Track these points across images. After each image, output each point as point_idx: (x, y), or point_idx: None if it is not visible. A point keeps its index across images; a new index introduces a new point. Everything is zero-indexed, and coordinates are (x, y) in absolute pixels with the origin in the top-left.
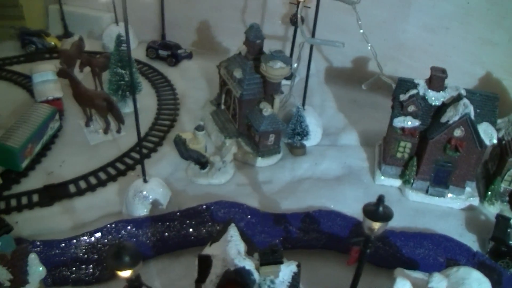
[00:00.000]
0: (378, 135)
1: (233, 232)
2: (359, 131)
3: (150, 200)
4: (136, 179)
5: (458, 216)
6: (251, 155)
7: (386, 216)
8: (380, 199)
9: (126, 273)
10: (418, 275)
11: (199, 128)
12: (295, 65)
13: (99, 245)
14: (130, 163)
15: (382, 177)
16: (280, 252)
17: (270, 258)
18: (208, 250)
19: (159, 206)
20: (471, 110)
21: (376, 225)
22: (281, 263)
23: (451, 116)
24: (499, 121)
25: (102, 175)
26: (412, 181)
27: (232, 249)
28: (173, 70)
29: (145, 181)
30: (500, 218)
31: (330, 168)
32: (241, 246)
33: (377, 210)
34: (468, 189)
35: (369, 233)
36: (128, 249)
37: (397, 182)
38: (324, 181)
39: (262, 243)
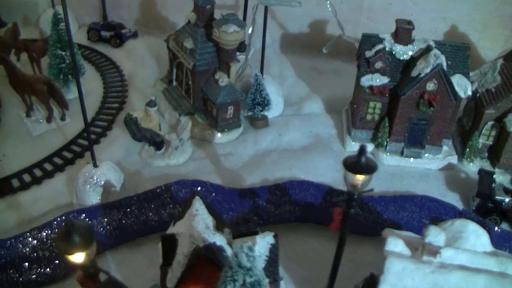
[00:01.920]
0: (343, 101)
1: (198, 205)
2: (323, 98)
3: (102, 185)
4: (85, 166)
5: (438, 177)
6: (209, 131)
7: (370, 167)
8: (362, 149)
9: (78, 257)
10: (408, 234)
11: (150, 103)
12: (250, 30)
13: (49, 241)
14: (78, 150)
15: (353, 143)
16: (254, 221)
17: (243, 228)
18: (172, 230)
19: (111, 189)
20: (443, 60)
21: (360, 179)
22: (256, 233)
23: (422, 68)
24: (471, 74)
25: (48, 166)
26: (385, 143)
27: (200, 224)
28: (118, 51)
29: (95, 166)
30: (483, 173)
31: (296, 139)
32: (209, 220)
33: (359, 161)
34: (445, 147)
35: (352, 189)
36: (78, 227)
37: (370, 147)
38: (291, 152)
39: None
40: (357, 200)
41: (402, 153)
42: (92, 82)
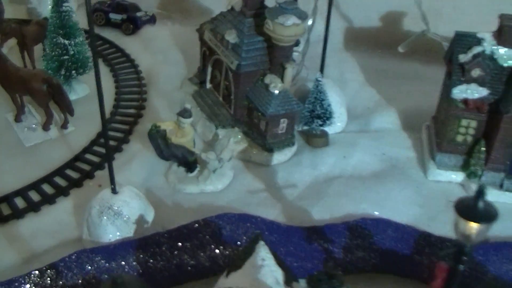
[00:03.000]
0: (423, 115)
1: (264, 253)
2: (396, 110)
3: (125, 218)
4: (100, 191)
5: None
6: (255, 150)
7: (489, 215)
8: (481, 191)
9: None
10: None
11: (185, 113)
12: (310, 21)
13: None
14: (85, 169)
15: (438, 170)
16: (340, 278)
17: (325, 287)
18: (225, 283)
19: (135, 222)
20: None
21: (475, 228)
22: None
23: None
24: None
25: (47, 188)
26: (480, 173)
27: (268, 278)
28: (131, 40)
29: (114, 191)
30: None
31: (364, 162)
32: (279, 273)
33: (476, 206)
34: None
35: (464, 240)
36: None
37: (459, 176)
38: (359, 179)
39: (292, 270)
40: (468, 254)
41: (501, 186)
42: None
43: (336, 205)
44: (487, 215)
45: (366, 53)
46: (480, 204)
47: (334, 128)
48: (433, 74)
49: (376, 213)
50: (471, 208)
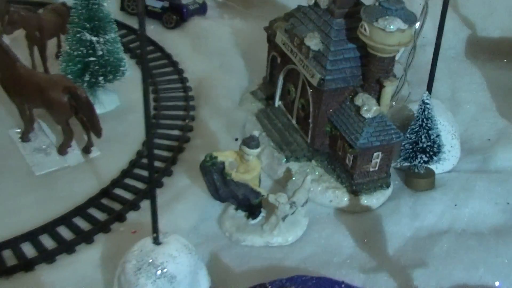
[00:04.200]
0: None
1: None
2: None
3: (170, 278)
4: (136, 239)
5: None
6: (336, 191)
7: None
8: None
9: None
10: None
11: (251, 142)
12: (418, 24)
13: None
14: (115, 208)
15: None
16: None
17: None
18: None
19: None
20: None
21: None
22: None
23: None
24: None
25: (65, 232)
26: None
27: None
28: (175, 36)
29: (156, 241)
30: None
31: (482, 213)
32: None
33: None
34: None
35: None
36: None
37: None
38: (476, 236)
39: None
40: None
41: None
42: (132, 88)
43: (444, 270)
44: None
45: (488, 63)
46: None
47: (442, 166)
48: None
49: (497, 283)
50: None
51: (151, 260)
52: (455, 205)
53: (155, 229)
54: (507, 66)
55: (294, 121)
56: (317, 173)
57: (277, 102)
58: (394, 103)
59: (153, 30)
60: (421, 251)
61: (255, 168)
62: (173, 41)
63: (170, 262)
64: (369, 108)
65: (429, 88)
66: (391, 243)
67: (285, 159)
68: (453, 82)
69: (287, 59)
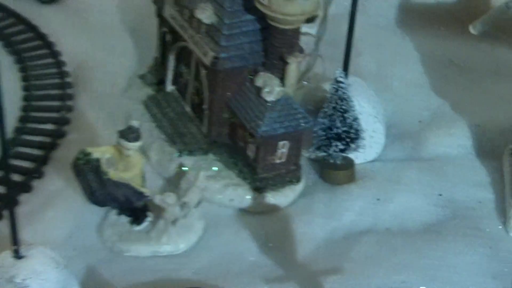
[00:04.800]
0: (508, 134)
1: None
2: (466, 125)
3: None
4: None
5: None
6: (238, 189)
7: None
8: None
9: None
10: None
11: (129, 134)
12: None
13: None
14: None
15: None
16: None
17: None
18: None
19: None
20: None
21: None
22: None
23: None
24: None
25: None
26: None
27: None
28: (52, 12)
29: (17, 255)
30: None
31: (410, 208)
32: None
33: None
34: None
35: None
36: None
37: None
38: (400, 235)
39: None
40: None
41: None
42: None
43: (361, 275)
44: None
45: (422, 34)
46: None
47: (364, 155)
48: None
49: None
50: None
51: (10, 277)
52: (378, 200)
53: (15, 241)
54: (444, 35)
55: (188, 109)
56: (215, 168)
57: (169, 87)
58: (306, 82)
59: (24, 5)
60: (337, 255)
61: (137, 165)
62: (48, 18)
63: (34, 278)
64: (272, 89)
65: (346, 63)
66: (301, 247)
67: (178, 154)
68: (381, 55)
69: (178, 36)
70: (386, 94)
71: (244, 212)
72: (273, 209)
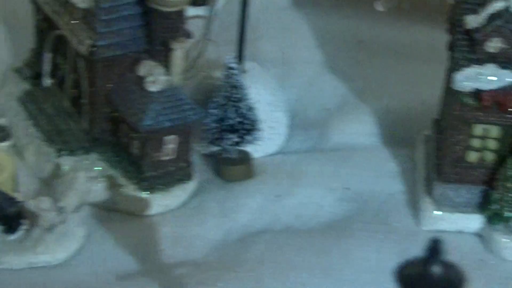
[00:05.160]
0: (422, 118)
1: None
2: (376, 111)
3: None
4: None
5: None
6: (125, 189)
7: (448, 285)
8: (435, 246)
9: None
10: None
11: None
12: None
13: None
14: None
15: (438, 213)
16: None
17: None
18: None
19: None
20: None
21: None
22: None
23: None
24: None
25: None
26: (509, 214)
27: None
28: None
29: None
30: None
31: (312, 204)
32: None
33: (426, 272)
34: None
35: None
36: None
37: (474, 221)
38: (301, 234)
39: None
40: None
41: None
42: None
43: (256, 278)
44: (445, 285)
45: (330, 15)
46: (435, 269)
47: (264, 147)
48: (439, 48)
49: None
50: (420, 276)
51: None
52: (278, 196)
53: None
54: (353, 15)
55: (68, 104)
56: (97, 168)
57: (46, 81)
58: (197, 73)
59: None
60: (231, 256)
61: (6, 168)
62: None
63: None
64: (155, 78)
65: (240, 48)
66: (193, 250)
67: (57, 153)
68: (285, 39)
69: (53, 23)
70: (290, 80)
71: (131, 215)
72: (163, 210)
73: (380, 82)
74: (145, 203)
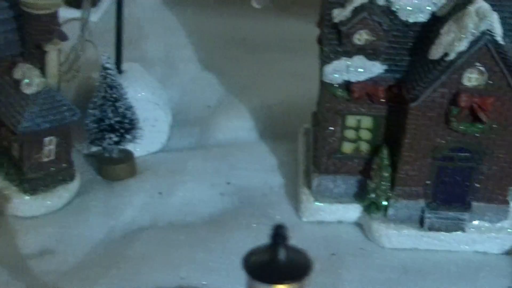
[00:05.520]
0: (303, 112)
1: None
2: (257, 107)
3: None
4: None
5: (503, 271)
6: (7, 193)
7: (294, 269)
8: (278, 232)
9: None
10: None
11: None
12: None
13: None
14: None
15: (317, 204)
16: None
17: None
18: None
19: None
20: (494, 22)
21: None
22: None
23: (451, 43)
24: None
25: None
26: (385, 203)
27: None
28: None
29: None
30: None
31: (195, 199)
32: None
33: (273, 259)
34: None
35: None
36: None
37: (353, 211)
38: (183, 229)
39: None
40: None
41: (421, 223)
42: None
43: (138, 274)
44: (291, 271)
45: (211, 12)
46: (280, 255)
47: (146, 146)
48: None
49: (204, 283)
50: (265, 263)
51: None
52: (160, 193)
53: None
54: (235, 14)
55: None
56: None
57: None
58: (76, 74)
59: None
60: (114, 254)
61: None
62: None
63: None
64: (31, 81)
65: (118, 49)
66: (76, 249)
67: None
68: (170, 38)
69: None
70: (173, 79)
71: (14, 218)
72: (46, 212)
73: (262, 78)
74: (21, 204)
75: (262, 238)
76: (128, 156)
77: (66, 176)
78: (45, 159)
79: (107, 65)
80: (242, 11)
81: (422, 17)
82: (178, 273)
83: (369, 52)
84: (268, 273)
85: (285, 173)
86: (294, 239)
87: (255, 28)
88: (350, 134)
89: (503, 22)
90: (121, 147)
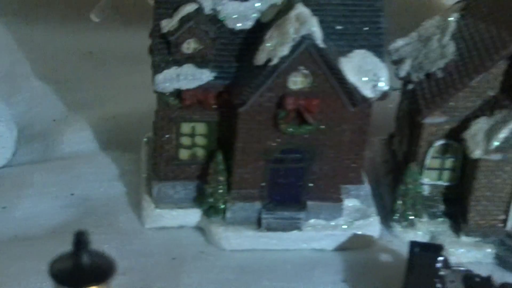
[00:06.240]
0: (146, 122)
1: None
2: (103, 119)
3: None
4: None
5: (336, 267)
6: None
7: (99, 272)
8: (81, 238)
9: None
10: None
11: None
12: None
13: None
14: None
15: (158, 210)
16: None
17: None
18: None
19: None
20: (313, 26)
21: None
22: None
23: (274, 48)
24: (400, 42)
25: None
26: (222, 206)
27: None
28: None
29: None
30: (418, 250)
31: (38, 212)
32: None
33: (77, 264)
34: (352, 203)
35: None
36: None
37: (193, 215)
38: (26, 241)
39: None
40: None
41: (259, 224)
42: None
43: None
44: (93, 275)
45: (56, 26)
46: (84, 260)
47: None
48: None
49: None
50: (71, 268)
51: None
52: (4, 208)
53: None
54: (82, 28)
55: None
56: None
57: None
58: None
59: None
60: None
61: None
62: None
63: None
64: None
65: None
66: None
67: None
68: (15, 53)
69: None
70: (17, 95)
71: None
72: None
73: (107, 90)
74: None
75: (109, 246)
76: None
77: None
78: None
79: None
80: (89, 25)
81: (248, 24)
82: (21, 285)
83: (198, 60)
84: (73, 277)
85: (128, 182)
86: (136, 246)
87: (103, 41)
88: (186, 140)
89: (326, 26)
90: None
